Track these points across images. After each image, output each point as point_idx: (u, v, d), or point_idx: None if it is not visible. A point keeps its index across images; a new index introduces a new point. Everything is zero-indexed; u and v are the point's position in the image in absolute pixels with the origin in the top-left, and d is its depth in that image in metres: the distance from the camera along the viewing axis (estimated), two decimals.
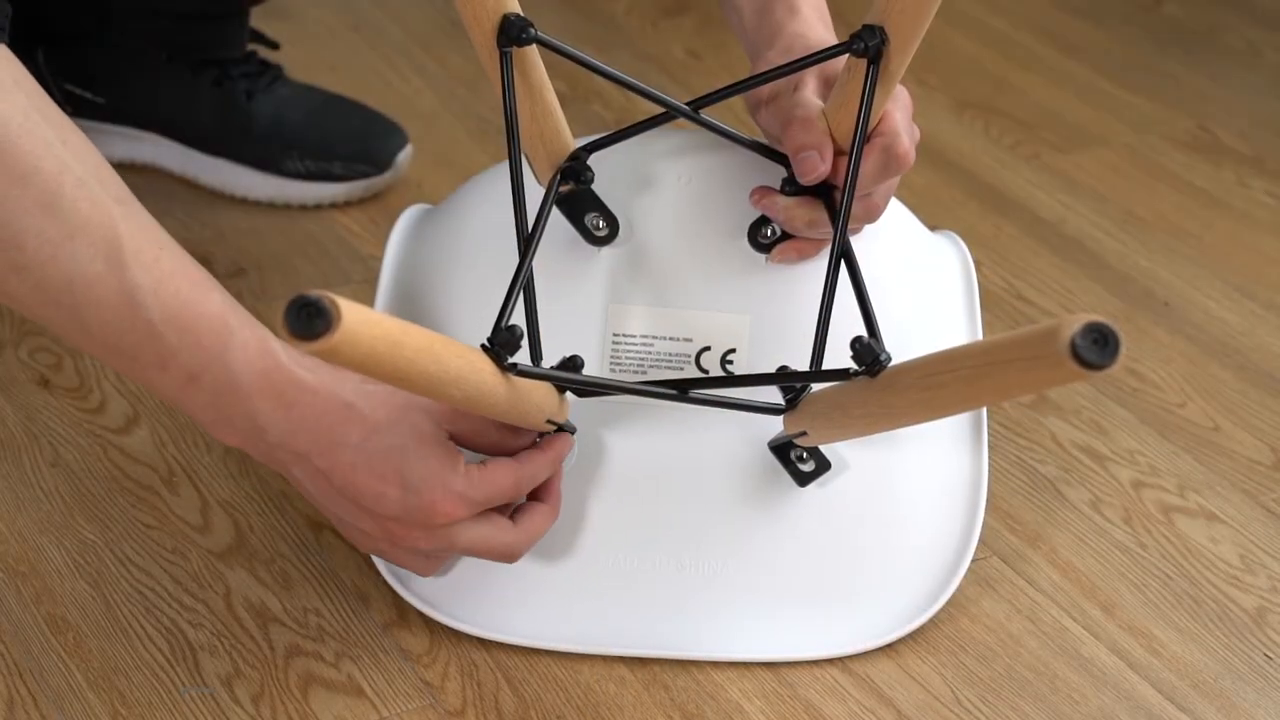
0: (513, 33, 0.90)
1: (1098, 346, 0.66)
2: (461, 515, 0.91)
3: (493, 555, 0.95)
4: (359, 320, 0.69)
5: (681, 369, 1.02)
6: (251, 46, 1.44)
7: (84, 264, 0.84)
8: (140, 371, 0.88)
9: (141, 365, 0.87)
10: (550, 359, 0.98)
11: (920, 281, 1.08)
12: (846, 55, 0.92)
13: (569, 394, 0.98)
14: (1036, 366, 0.70)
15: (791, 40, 1.02)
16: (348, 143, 1.43)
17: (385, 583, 1.03)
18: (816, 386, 0.95)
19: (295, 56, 1.61)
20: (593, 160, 1.01)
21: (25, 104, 0.84)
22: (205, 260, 1.08)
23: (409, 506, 0.90)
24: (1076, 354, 0.66)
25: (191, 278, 0.87)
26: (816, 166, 0.96)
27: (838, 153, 0.96)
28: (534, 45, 0.91)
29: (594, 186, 1.02)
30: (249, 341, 0.88)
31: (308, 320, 0.67)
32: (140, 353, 0.87)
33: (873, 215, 1.00)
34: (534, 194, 0.98)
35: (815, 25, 1.04)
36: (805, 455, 1.01)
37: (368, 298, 1.11)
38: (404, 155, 1.45)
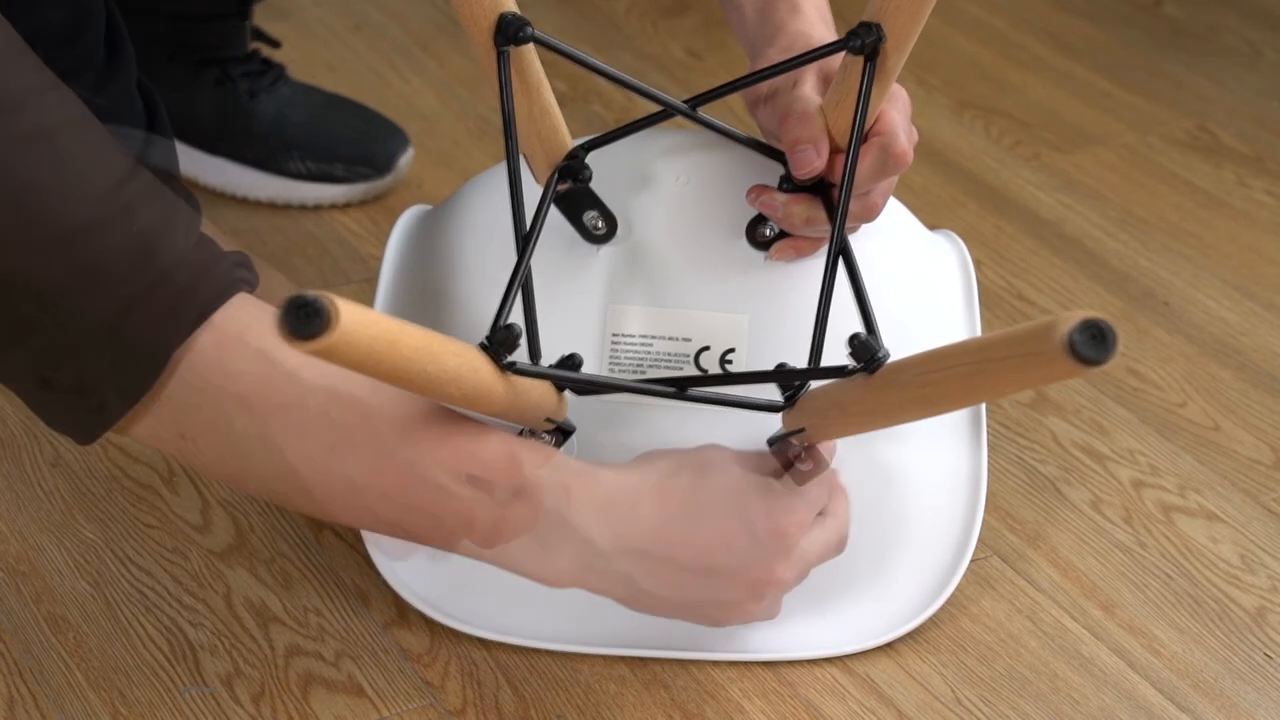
0: (510, 31, 0.90)
1: (1095, 342, 0.66)
2: (808, 517, 0.91)
3: (833, 552, 0.95)
4: (356, 320, 0.69)
5: (680, 369, 1.02)
6: (254, 46, 1.44)
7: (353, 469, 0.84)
8: (445, 537, 0.87)
9: (447, 531, 0.87)
10: (549, 358, 0.98)
11: (919, 280, 1.08)
12: (844, 53, 0.92)
13: (568, 393, 0.98)
14: (1034, 362, 0.70)
15: (793, 39, 1.02)
16: (350, 145, 1.43)
17: (385, 582, 1.03)
18: (815, 384, 0.95)
19: (295, 56, 1.61)
20: (591, 159, 1.01)
21: None
22: None
23: (759, 536, 0.90)
24: (1074, 349, 0.66)
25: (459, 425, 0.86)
26: (811, 161, 0.95)
27: (835, 150, 0.96)
28: (531, 44, 0.91)
29: (592, 185, 1.02)
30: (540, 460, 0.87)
31: (305, 320, 0.67)
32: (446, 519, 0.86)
33: (871, 214, 1.00)
34: (533, 193, 0.98)
35: (817, 24, 1.03)
36: (804, 454, 1.00)
37: (368, 298, 1.11)
38: (405, 158, 1.45)
